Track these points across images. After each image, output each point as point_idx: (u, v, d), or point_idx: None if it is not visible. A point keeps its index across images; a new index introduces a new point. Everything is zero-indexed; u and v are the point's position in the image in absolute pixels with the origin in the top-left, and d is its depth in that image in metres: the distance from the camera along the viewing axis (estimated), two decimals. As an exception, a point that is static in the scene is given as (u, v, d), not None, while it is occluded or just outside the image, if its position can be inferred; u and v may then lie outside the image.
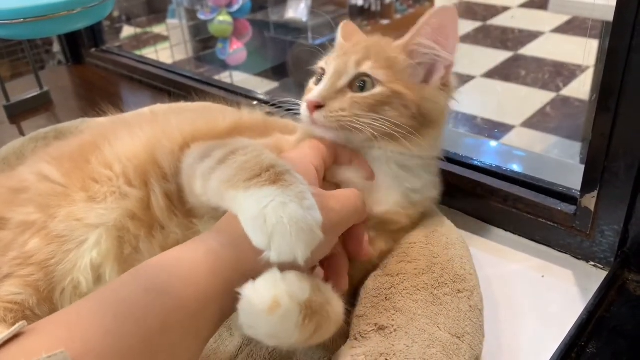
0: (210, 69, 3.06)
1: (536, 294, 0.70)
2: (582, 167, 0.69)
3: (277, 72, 3.84)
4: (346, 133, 0.64)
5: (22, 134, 1.10)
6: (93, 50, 1.38)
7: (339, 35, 0.75)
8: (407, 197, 0.68)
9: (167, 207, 0.64)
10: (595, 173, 0.67)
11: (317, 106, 0.63)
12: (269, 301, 0.46)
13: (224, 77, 2.96)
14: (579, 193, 0.72)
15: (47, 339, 0.41)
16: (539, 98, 3.52)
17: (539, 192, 0.76)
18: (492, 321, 0.65)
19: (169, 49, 2.77)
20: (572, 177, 0.76)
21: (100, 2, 0.90)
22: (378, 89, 0.64)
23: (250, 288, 0.47)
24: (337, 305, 0.53)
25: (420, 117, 0.65)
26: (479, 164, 0.81)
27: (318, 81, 0.69)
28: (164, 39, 3.04)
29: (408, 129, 0.63)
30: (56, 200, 0.63)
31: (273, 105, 1.02)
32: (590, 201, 0.69)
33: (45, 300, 0.60)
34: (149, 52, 2.69)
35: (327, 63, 0.68)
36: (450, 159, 0.83)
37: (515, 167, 0.82)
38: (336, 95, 0.64)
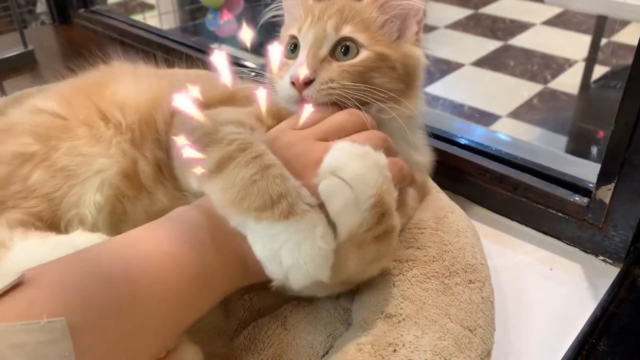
0: (199, 39, 2.99)
1: (544, 287, 0.68)
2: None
3: (259, 32, 3.78)
4: (337, 107, 0.60)
5: (3, 92, 1.04)
6: (82, 10, 1.31)
7: None
8: (412, 155, 0.66)
9: (154, 175, 0.61)
10: (615, 164, 0.65)
11: (307, 82, 0.58)
12: (362, 150, 0.51)
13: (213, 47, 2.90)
14: (592, 184, 0.69)
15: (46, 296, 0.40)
16: (526, 89, 3.50)
17: (551, 181, 0.73)
18: (500, 313, 0.62)
19: (156, 16, 2.68)
20: (582, 171, 0.74)
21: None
22: (364, 54, 0.60)
23: (346, 141, 0.52)
24: (397, 217, 0.53)
25: (405, 76, 0.63)
26: (488, 150, 0.78)
27: (291, 52, 0.63)
28: (152, 7, 2.95)
29: (395, 94, 0.61)
30: (56, 132, 0.60)
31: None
32: (605, 194, 0.67)
33: (49, 227, 0.58)
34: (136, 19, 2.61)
35: (301, 31, 0.62)
36: (459, 144, 0.80)
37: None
38: (321, 65, 0.60)
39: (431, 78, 3.86)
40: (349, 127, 0.58)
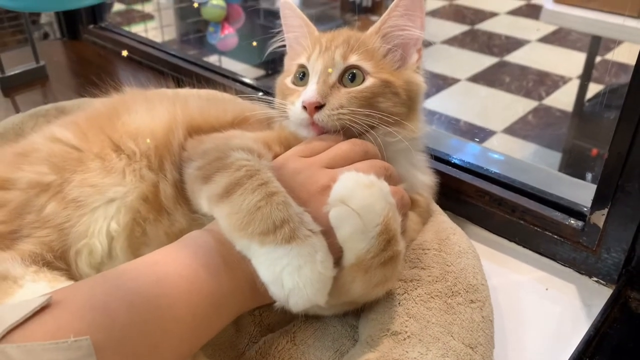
0: (199, 52, 3.02)
1: (540, 306, 0.71)
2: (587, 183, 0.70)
3: (266, 59, 3.81)
4: (344, 132, 0.64)
5: (16, 107, 1.07)
6: (91, 26, 1.34)
7: (282, 14, 0.74)
8: (419, 176, 0.70)
9: (173, 196, 0.64)
10: (608, 191, 0.68)
11: (318, 107, 0.62)
12: (368, 181, 0.53)
13: (213, 61, 2.92)
14: (587, 209, 0.72)
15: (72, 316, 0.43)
16: (521, 106, 3.55)
17: (548, 205, 0.76)
18: (499, 331, 0.65)
19: (157, 28, 2.71)
20: (578, 193, 0.77)
21: (112, -21, 0.87)
22: (370, 80, 0.65)
23: (352, 171, 0.54)
24: (403, 243, 0.56)
25: (408, 101, 0.67)
26: (488, 173, 0.81)
27: (300, 79, 0.68)
28: (152, 17, 2.98)
29: (399, 118, 0.65)
30: (71, 165, 0.63)
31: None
32: (599, 218, 0.70)
33: (59, 258, 0.60)
34: (138, 30, 2.64)
35: (310, 59, 0.67)
36: (460, 166, 0.83)
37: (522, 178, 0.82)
38: (331, 91, 0.64)
39: (427, 93, 3.87)
40: (353, 155, 0.62)
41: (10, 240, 0.59)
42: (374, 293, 0.57)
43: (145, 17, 2.96)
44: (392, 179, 0.63)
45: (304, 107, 0.63)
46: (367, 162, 0.62)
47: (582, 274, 0.74)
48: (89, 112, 0.71)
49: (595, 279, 0.73)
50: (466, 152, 0.89)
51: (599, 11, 2.05)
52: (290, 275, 0.50)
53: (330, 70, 0.65)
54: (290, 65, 0.71)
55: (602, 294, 0.72)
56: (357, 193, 0.52)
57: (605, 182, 0.68)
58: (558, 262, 0.76)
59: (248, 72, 3.79)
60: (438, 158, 0.84)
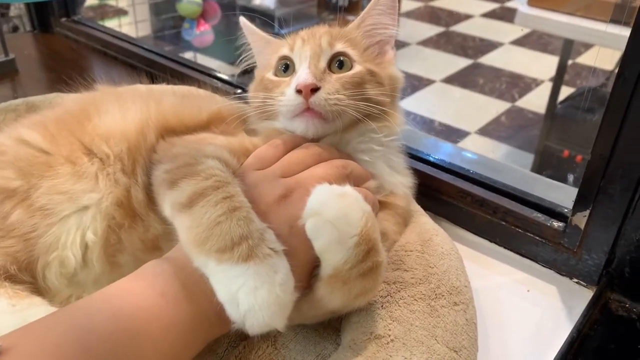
0: (174, 48, 2.98)
1: (522, 309, 0.71)
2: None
3: (240, 57, 3.79)
4: (341, 119, 0.63)
5: (-16, 101, 1.03)
6: (63, 19, 1.30)
7: (252, 28, 0.74)
8: (396, 177, 0.69)
9: (145, 201, 0.61)
10: (590, 193, 0.68)
11: (313, 89, 0.61)
12: (341, 191, 0.52)
13: (188, 58, 2.89)
14: (568, 210, 0.72)
15: None
16: (494, 107, 3.60)
17: (529, 206, 0.76)
18: (481, 333, 0.64)
19: (132, 24, 2.66)
20: (555, 194, 0.78)
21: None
22: (357, 67, 0.65)
23: (325, 184, 0.52)
24: (384, 253, 0.55)
25: (390, 93, 0.67)
26: (469, 174, 0.81)
27: (283, 71, 0.67)
28: (126, 12, 2.93)
29: (385, 108, 0.65)
30: (39, 170, 0.60)
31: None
32: (581, 220, 0.70)
33: (24, 270, 0.58)
34: (111, 26, 2.59)
35: (293, 49, 0.66)
36: (441, 167, 0.83)
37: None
38: (323, 76, 0.63)
39: (403, 93, 3.92)
40: (308, 160, 0.62)
41: None
42: (355, 304, 0.55)
43: (119, 12, 2.91)
44: (355, 177, 0.62)
45: (298, 92, 0.61)
46: (325, 164, 0.61)
47: (562, 275, 0.74)
48: (57, 113, 0.68)
49: (575, 280, 0.74)
50: (443, 152, 0.89)
51: (573, 15, 2.08)
52: (246, 296, 0.47)
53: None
54: (268, 60, 0.69)
55: (583, 295, 0.72)
56: (330, 204, 0.51)
57: (587, 184, 0.68)
58: (539, 264, 0.76)
59: (224, 69, 3.76)
60: (419, 158, 0.84)
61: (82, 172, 0.61)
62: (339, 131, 0.64)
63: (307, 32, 0.68)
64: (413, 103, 3.51)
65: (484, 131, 3.40)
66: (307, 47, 0.65)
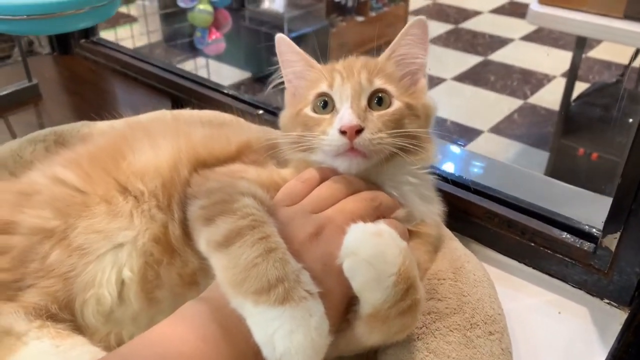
0: (186, 56, 2.99)
1: (554, 332, 0.71)
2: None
3: (250, 62, 3.81)
4: (376, 157, 0.63)
5: (10, 129, 1.04)
6: (83, 40, 1.31)
7: (279, 50, 0.72)
8: (427, 206, 0.69)
9: (182, 236, 0.62)
10: (621, 215, 0.68)
11: (358, 130, 0.61)
12: (376, 229, 0.52)
13: (200, 63, 2.90)
14: (599, 231, 0.72)
15: None
16: (507, 104, 3.59)
17: (558, 226, 0.76)
18: (514, 358, 0.65)
19: (144, 34, 2.67)
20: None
21: (108, 1, 0.85)
22: (397, 104, 0.65)
23: (360, 223, 0.53)
24: (422, 289, 0.55)
25: (426, 124, 0.68)
26: (497, 195, 0.81)
27: (322, 108, 0.66)
28: (136, 19, 2.95)
29: (424, 138, 0.66)
30: (75, 210, 0.61)
31: (276, 114, 1.01)
32: (611, 242, 0.70)
33: (64, 308, 0.58)
34: (122, 33, 2.60)
35: (333, 86, 0.65)
36: (468, 187, 0.83)
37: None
38: (365, 115, 0.63)
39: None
40: (337, 194, 0.62)
41: (14, 290, 0.57)
42: (394, 339, 0.56)
43: (130, 20, 2.92)
44: (384, 208, 0.63)
45: (342, 133, 0.61)
46: (354, 198, 0.62)
47: (593, 295, 0.74)
48: (90, 150, 0.69)
49: (607, 300, 0.74)
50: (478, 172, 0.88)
51: (585, 12, 2.06)
52: (282, 339, 0.48)
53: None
54: (305, 95, 0.69)
55: (615, 316, 0.72)
56: (366, 243, 0.51)
57: (618, 206, 0.68)
58: (569, 284, 0.76)
59: (235, 75, 3.79)
60: (445, 178, 0.84)
61: (117, 210, 0.61)
62: (376, 166, 0.64)
63: (345, 66, 0.68)
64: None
65: (497, 129, 3.39)
66: (348, 85, 0.64)
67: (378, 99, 0.64)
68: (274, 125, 0.97)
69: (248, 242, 0.52)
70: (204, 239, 0.56)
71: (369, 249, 0.51)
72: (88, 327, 0.60)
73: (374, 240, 0.51)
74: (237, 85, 3.69)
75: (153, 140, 0.68)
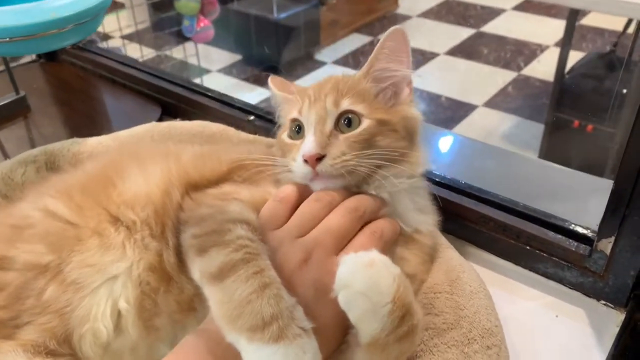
0: (175, 41, 2.95)
1: (551, 335, 0.71)
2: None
3: (241, 45, 3.77)
4: (352, 177, 0.63)
5: (0, 145, 1.03)
6: (69, 47, 1.29)
7: (274, 88, 0.74)
8: (422, 216, 0.69)
9: (176, 263, 0.62)
10: (615, 220, 0.68)
11: (319, 158, 0.62)
12: (368, 259, 0.52)
13: (189, 48, 2.86)
14: (594, 233, 0.73)
15: None
16: (501, 77, 3.58)
17: (553, 230, 0.76)
18: (513, 362, 0.65)
19: (132, 26, 2.63)
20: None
21: (92, 18, 0.84)
22: (366, 122, 0.64)
23: (351, 254, 0.53)
24: (419, 311, 0.56)
25: (407, 136, 0.67)
26: (491, 198, 0.81)
27: (296, 133, 0.67)
28: (122, 5, 2.90)
29: (402, 151, 0.65)
30: (68, 244, 0.60)
31: (267, 119, 1.00)
32: (606, 245, 0.70)
33: (63, 343, 0.58)
34: (109, 20, 2.56)
35: (302, 112, 0.66)
36: (462, 191, 0.83)
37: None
38: (329, 140, 0.63)
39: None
40: (320, 213, 0.62)
41: (12, 328, 0.57)
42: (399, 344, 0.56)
43: (117, 6, 2.88)
44: (368, 214, 0.63)
45: (305, 161, 0.62)
46: (337, 212, 0.62)
47: (590, 297, 0.75)
48: (80, 179, 0.68)
49: (603, 302, 0.74)
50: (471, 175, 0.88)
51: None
52: None
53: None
54: (285, 121, 0.70)
55: (611, 317, 0.73)
56: (359, 274, 0.51)
57: (612, 211, 0.68)
58: (565, 286, 0.76)
59: (225, 58, 3.75)
60: (438, 183, 0.84)
61: (109, 243, 0.61)
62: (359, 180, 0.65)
63: (315, 89, 0.68)
64: (417, 79, 3.46)
65: (492, 103, 3.37)
66: (313, 111, 0.65)
67: (347, 120, 0.64)
68: (266, 131, 0.97)
69: (242, 276, 0.52)
70: (198, 269, 0.56)
71: (362, 281, 0.51)
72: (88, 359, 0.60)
73: (366, 271, 0.51)
74: (228, 69, 3.68)
75: (142, 165, 0.67)
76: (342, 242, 0.61)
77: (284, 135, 0.69)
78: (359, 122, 0.64)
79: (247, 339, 0.49)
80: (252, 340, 0.49)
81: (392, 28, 0.65)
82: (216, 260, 0.54)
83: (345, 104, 0.65)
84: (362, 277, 0.51)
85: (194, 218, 0.61)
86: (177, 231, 0.62)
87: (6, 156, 0.98)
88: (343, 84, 0.66)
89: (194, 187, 0.66)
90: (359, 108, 0.65)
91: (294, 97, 0.69)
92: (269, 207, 0.63)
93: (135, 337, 0.61)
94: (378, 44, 0.66)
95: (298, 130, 0.67)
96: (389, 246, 0.64)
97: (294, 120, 0.67)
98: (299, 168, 0.63)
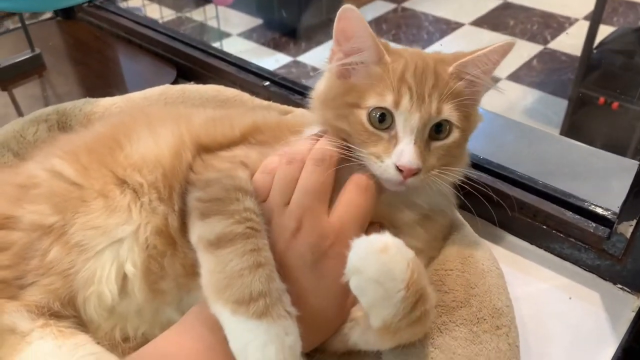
0: (193, 2, 2.92)
1: (564, 317, 0.70)
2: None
3: (262, 8, 3.72)
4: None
5: (15, 102, 1.03)
6: (86, 4, 1.27)
7: (341, 26, 0.60)
8: (444, 199, 0.67)
9: (179, 227, 0.61)
10: (638, 202, 0.66)
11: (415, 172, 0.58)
12: (381, 244, 0.50)
13: (209, 11, 2.83)
14: (614, 215, 0.70)
15: None
16: (526, 50, 3.48)
17: (572, 210, 0.74)
18: (522, 345, 0.64)
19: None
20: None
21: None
22: (455, 133, 0.61)
23: (363, 237, 0.51)
24: (432, 295, 0.55)
25: (467, 140, 0.65)
26: (509, 175, 0.79)
27: (379, 121, 0.59)
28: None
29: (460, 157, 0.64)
30: (73, 205, 0.60)
31: (283, 85, 0.98)
32: (627, 229, 0.68)
33: (67, 305, 0.58)
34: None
35: (400, 106, 0.58)
36: (480, 167, 0.80)
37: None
38: (424, 152, 0.59)
39: (430, 39, 3.82)
40: (294, 174, 0.60)
41: (16, 288, 0.57)
42: (405, 344, 0.56)
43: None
44: (330, 156, 0.60)
45: (398, 169, 0.57)
46: (307, 167, 0.59)
47: (605, 280, 0.73)
48: (88, 141, 0.67)
49: (619, 286, 0.72)
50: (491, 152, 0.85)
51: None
52: (255, 351, 0.48)
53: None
54: (361, 92, 0.60)
55: (627, 302, 0.71)
56: (371, 260, 0.50)
57: (636, 193, 0.66)
58: (581, 268, 0.75)
59: (246, 22, 3.71)
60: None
61: (114, 205, 0.60)
62: None
63: (416, 79, 0.59)
64: (441, 49, 3.40)
65: (515, 77, 3.30)
66: (416, 115, 0.58)
67: (438, 127, 0.60)
68: (281, 97, 0.95)
69: (239, 250, 0.52)
70: (197, 233, 0.56)
71: (375, 267, 0.50)
72: (92, 322, 0.60)
73: (380, 257, 0.50)
74: (248, 33, 3.63)
75: (152, 128, 0.66)
76: (326, 197, 0.59)
77: (362, 115, 0.60)
78: (449, 132, 0.60)
79: (232, 311, 0.49)
80: (235, 313, 0.49)
81: (508, 39, 0.59)
82: (216, 228, 0.54)
83: (447, 112, 0.59)
84: (375, 263, 0.50)
85: (201, 181, 0.60)
86: (185, 193, 0.61)
87: (20, 114, 0.97)
88: (442, 82, 0.59)
89: (205, 149, 0.65)
90: (454, 117, 0.60)
91: (384, 72, 0.60)
92: (257, 180, 0.61)
93: (141, 300, 0.60)
94: (485, 50, 0.59)
95: (382, 118, 0.59)
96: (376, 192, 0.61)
97: (382, 108, 0.59)
98: (386, 173, 0.58)
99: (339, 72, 0.63)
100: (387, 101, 0.58)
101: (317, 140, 0.62)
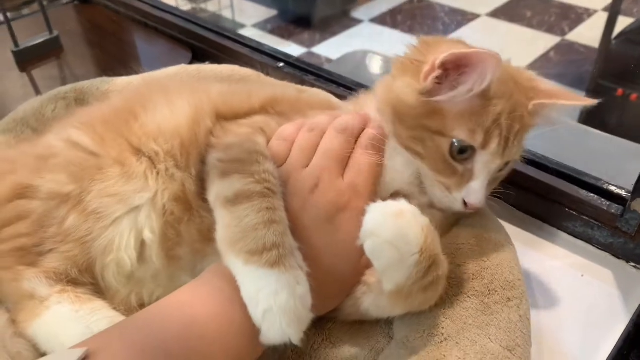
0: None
1: (576, 295, 0.70)
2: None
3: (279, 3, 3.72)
4: None
5: (33, 83, 1.05)
6: (102, -11, 1.29)
7: (472, 70, 0.55)
8: None
9: (197, 192, 0.62)
10: (651, 178, 0.65)
11: None
12: (397, 209, 0.51)
13: (224, 1, 2.84)
14: (628, 193, 0.70)
15: None
16: (543, 42, 3.45)
17: (585, 188, 0.74)
18: (533, 322, 0.64)
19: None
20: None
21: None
22: (510, 166, 0.64)
23: (379, 202, 0.52)
24: (445, 262, 0.56)
25: None
26: (523, 154, 0.78)
27: (459, 154, 0.58)
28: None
29: None
30: (89, 173, 0.61)
31: (297, 67, 0.98)
32: (640, 205, 0.68)
33: (84, 272, 0.60)
34: None
35: (487, 148, 0.57)
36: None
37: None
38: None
39: (447, 30, 3.80)
40: (314, 141, 0.62)
41: (35, 255, 0.58)
42: (417, 310, 0.57)
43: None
44: (359, 129, 0.63)
45: (464, 203, 0.60)
46: (329, 134, 0.62)
47: (619, 258, 0.73)
48: (104, 111, 0.68)
49: (633, 264, 0.72)
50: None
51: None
52: (267, 298, 0.49)
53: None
54: (450, 120, 0.58)
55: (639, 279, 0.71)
56: (387, 224, 0.51)
57: (649, 169, 0.66)
58: (594, 246, 0.74)
59: (260, 13, 3.71)
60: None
61: (130, 172, 0.61)
62: None
63: (507, 121, 0.57)
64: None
65: (532, 68, 3.25)
66: (498, 161, 0.59)
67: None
68: (295, 78, 0.96)
69: (256, 207, 0.53)
70: (215, 190, 0.57)
71: (390, 230, 0.51)
72: (109, 289, 0.61)
73: (395, 221, 0.51)
74: (263, 24, 3.64)
75: (169, 98, 0.67)
76: (343, 162, 0.61)
77: (444, 145, 0.58)
78: (506, 166, 0.63)
79: (244, 261, 0.50)
80: (248, 263, 0.50)
81: (588, 99, 0.62)
82: (235, 186, 0.55)
83: (519, 153, 0.63)
84: (391, 227, 0.51)
85: (222, 144, 0.61)
86: (204, 156, 0.61)
87: (38, 94, 0.98)
88: (525, 126, 0.60)
89: (224, 118, 0.65)
90: (520, 154, 0.63)
91: (484, 104, 0.57)
92: (273, 145, 0.62)
93: (158, 266, 0.61)
94: (569, 102, 0.61)
95: (462, 150, 0.58)
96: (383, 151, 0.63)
97: (468, 144, 0.58)
98: (451, 204, 0.61)
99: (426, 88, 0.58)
100: (477, 140, 0.57)
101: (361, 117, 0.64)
